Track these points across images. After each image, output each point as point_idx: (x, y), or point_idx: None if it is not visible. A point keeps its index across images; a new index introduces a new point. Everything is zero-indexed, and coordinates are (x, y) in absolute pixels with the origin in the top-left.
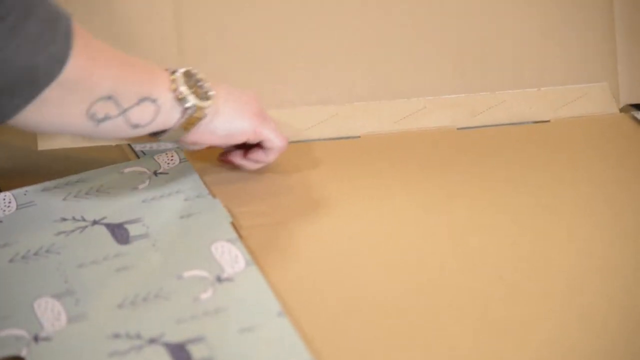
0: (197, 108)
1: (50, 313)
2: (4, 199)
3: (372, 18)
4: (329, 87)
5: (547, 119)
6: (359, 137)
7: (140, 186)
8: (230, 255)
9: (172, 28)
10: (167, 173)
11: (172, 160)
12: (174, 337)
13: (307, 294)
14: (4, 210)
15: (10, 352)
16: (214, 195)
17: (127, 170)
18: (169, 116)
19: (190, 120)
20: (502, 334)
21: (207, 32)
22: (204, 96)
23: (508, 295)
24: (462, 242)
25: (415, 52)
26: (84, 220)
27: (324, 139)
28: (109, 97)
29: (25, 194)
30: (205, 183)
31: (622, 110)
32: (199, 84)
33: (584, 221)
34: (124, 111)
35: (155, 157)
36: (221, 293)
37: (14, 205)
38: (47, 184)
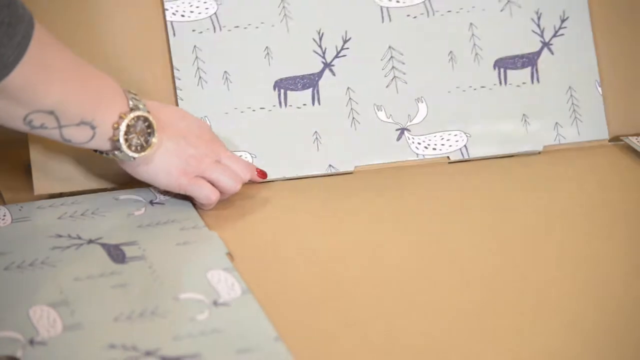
0: (124, 154)
1: (45, 320)
2: None
3: None
4: None
5: (538, 149)
6: (352, 172)
7: (136, 212)
8: (226, 283)
9: None
10: (163, 203)
11: (167, 191)
12: (171, 352)
13: (301, 319)
14: None
15: (6, 352)
16: (209, 228)
17: (122, 197)
18: (102, 144)
19: (117, 157)
20: (493, 344)
21: None
22: (139, 146)
23: (499, 309)
24: (453, 258)
25: None
26: (79, 238)
27: (318, 175)
28: (51, 112)
29: (20, 210)
30: (200, 215)
31: (611, 140)
32: (149, 130)
33: (572, 235)
34: (61, 127)
35: (151, 189)
36: (217, 316)
37: (9, 218)
38: (42, 202)
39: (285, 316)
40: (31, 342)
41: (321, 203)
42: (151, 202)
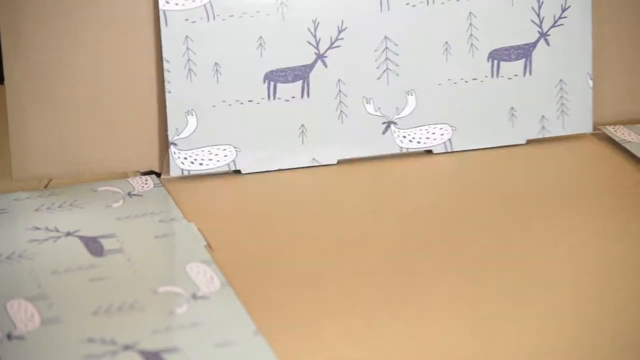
0: None
1: (23, 314)
2: None
3: None
4: None
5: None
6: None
7: (114, 205)
8: (205, 276)
9: None
10: (141, 195)
11: (146, 184)
12: (149, 346)
13: (281, 313)
14: None
15: None
16: (188, 220)
17: (100, 188)
18: None
19: None
20: (471, 332)
21: None
22: None
23: (478, 297)
24: (432, 248)
25: None
26: (57, 231)
27: (299, 167)
28: None
29: None
30: (179, 207)
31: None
32: None
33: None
34: None
35: (129, 180)
36: (197, 309)
37: None
38: (19, 194)
39: (265, 310)
40: (9, 336)
41: (303, 194)
42: (129, 194)
